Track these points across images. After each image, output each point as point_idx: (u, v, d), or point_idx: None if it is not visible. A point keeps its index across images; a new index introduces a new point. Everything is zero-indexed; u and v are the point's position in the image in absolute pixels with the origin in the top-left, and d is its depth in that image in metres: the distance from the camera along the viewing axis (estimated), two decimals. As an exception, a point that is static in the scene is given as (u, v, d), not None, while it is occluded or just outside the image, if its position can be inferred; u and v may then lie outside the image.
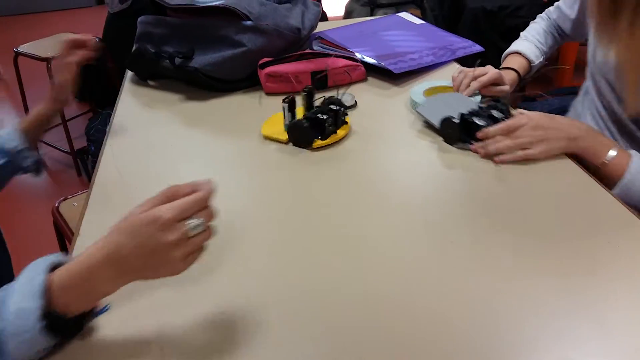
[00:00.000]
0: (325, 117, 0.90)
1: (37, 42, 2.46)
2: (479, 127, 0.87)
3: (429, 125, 0.96)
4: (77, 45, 1.03)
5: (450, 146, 0.90)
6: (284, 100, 0.94)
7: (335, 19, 3.58)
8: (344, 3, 2.98)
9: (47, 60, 2.27)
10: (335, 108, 0.93)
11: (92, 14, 4.83)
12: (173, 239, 0.51)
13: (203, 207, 0.54)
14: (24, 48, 2.38)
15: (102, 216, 0.78)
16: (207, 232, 0.54)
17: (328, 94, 1.10)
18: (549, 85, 3.11)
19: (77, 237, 0.74)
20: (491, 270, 0.65)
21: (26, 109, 2.55)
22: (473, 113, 0.89)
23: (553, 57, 3.26)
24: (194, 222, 0.52)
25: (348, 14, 2.94)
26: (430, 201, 0.78)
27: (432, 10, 3.00)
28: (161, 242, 0.50)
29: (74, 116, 2.78)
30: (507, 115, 0.89)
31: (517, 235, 0.70)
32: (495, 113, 0.88)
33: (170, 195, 0.54)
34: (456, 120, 0.88)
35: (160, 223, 0.51)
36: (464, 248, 0.68)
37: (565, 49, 2.83)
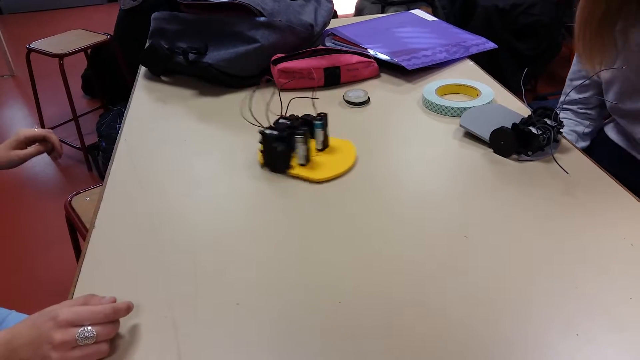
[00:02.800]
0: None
1: (50, 39, 2.48)
2: (534, 137, 0.83)
3: (460, 130, 0.94)
4: (35, 141, 1.07)
5: (461, 141, 0.90)
6: (315, 118, 0.86)
7: (346, 16, 3.58)
8: (354, 1, 2.98)
9: (59, 56, 2.29)
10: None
11: (103, 10, 4.86)
12: (58, 340, 0.51)
13: (104, 322, 0.54)
14: (36, 44, 2.39)
15: (117, 209, 0.78)
16: (97, 346, 0.53)
17: (342, 90, 1.11)
18: (560, 84, 3.09)
19: (92, 230, 0.75)
20: (506, 263, 0.65)
21: (38, 106, 2.57)
22: (526, 122, 0.85)
23: (564, 54, 3.24)
24: (86, 330, 0.53)
25: (359, 11, 2.93)
26: (444, 196, 0.77)
27: (443, 8, 2.99)
28: (47, 339, 0.52)
29: (85, 112, 2.80)
30: (560, 123, 0.85)
31: (530, 228, 0.70)
32: (548, 121, 0.84)
33: (84, 301, 0.56)
34: (510, 131, 0.83)
35: (56, 320, 0.52)
36: (478, 243, 0.68)
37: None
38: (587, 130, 1.20)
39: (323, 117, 0.87)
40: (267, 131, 0.83)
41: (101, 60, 2.84)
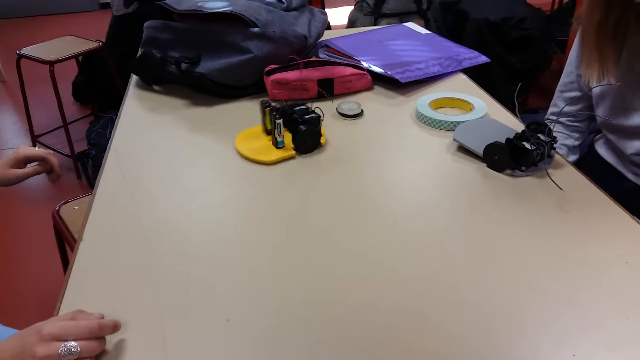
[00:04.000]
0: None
1: (41, 45, 2.46)
2: (528, 152, 0.82)
3: (453, 144, 0.94)
4: (34, 160, 1.04)
5: (454, 155, 0.90)
6: (274, 109, 0.92)
7: (338, 27, 3.59)
8: (347, 12, 2.99)
9: (50, 63, 2.27)
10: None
11: (95, 17, 4.84)
12: (41, 354, 0.51)
13: (88, 338, 0.54)
14: (27, 50, 2.37)
15: (106, 221, 0.77)
16: None
17: (335, 102, 1.10)
18: (551, 97, 3.12)
19: (80, 242, 0.73)
20: (500, 279, 0.64)
21: (27, 112, 2.55)
22: (520, 137, 0.84)
23: (554, 68, 3.27)
24: (69, 345, 0.52)
25: (351, 23, 2.95)
26: (436, 210, 0.77)
27: (435, 21, 3.01)
28: (30, 352, 0.51)
29: (75, 119, 2.78)
30: (553, 139, 0.85)
31: (525, 244, 0.70)
32: (542, 137, 0.84)
33: (71, 317, 0.56)
34: (504, 146, 0.83)
35: (40, 334, 0.52)
36: (471, 258, 0.68)
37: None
38: (576, 143, 1.20)
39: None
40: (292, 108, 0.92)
41: (92, 67, 2.82)
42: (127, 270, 0.68)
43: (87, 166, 2.42)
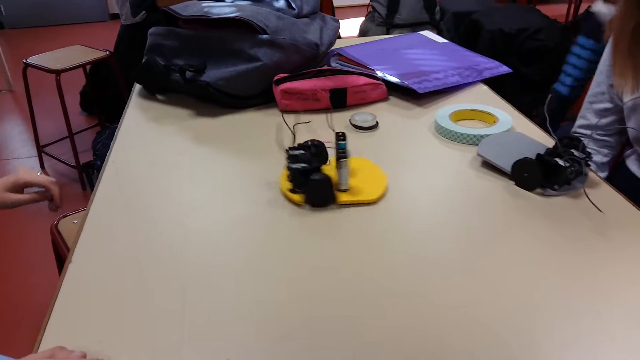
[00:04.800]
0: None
1: (48, 54, 2.42)
2: (562, 170, 0.75)
3: (476, 159, 0.87)
4: (32, 186, 0.94)
5: (478, 171, 0.83)
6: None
7: (349, 38, 3.55)
8: (358, 23, 2.94)
9: (56, 72, 2.23)
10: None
11: (106, 28, 4.84)
12: None
13: None
14: (33, 59, 2.34)
15: (98, 240, 0.70)
16: None
17: (348, 113, 1.04)
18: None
19: (68, 264, 0.67)
20: (535, 312, 0.57)
21: (33, 122, 2.51)
22: (552, 153, 0.77)
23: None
24: None
25: (363, 33, 2.90)
26: (461, 233, 0.70)
27: (448, 32, 2.96)
28: None
29: (81, 129, 2.74)
30: (588, 155, 0.77)
31: (562, 271, 0.62)
32: (576, 153, 0.76)
33: (50, 354, 0.52)
34: (535, 163, 0.76)
35: None
36: (503, 289, 0.60)
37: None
38: (605, 159, 1.13)
39: (341, 136, 0.76)
40: (295, 165, 0.74)
41: (100, 77, 2.79)
42: (118, 299, 0.61)
43: (92, 177, 2.37)
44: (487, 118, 0.99)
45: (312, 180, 0.73)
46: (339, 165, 0.75)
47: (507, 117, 0.96)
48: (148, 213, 0.76)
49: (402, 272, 0.63)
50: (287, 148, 0.77)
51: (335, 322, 0.57)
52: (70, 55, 2.43)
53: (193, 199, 0.79)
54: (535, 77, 2.75)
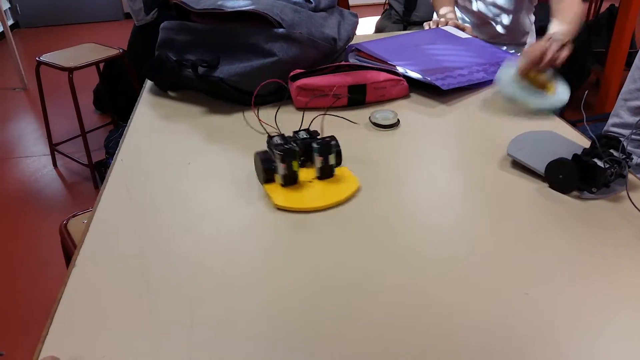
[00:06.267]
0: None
1: (61, 52, 2.41)
2: (601, 171, 0.69)
3: (506, 159, 0.82)
4: None
5: (508, 172, 0.77)
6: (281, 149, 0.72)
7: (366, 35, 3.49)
8: (374, 21, 2.89)
9: (69, 70, 2.21)
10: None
11: (120, 26, 4.84)
12: None
13: None
14: (46, 57, 2.32)
15: (104, 244, 0.66)
16: None
17: (368, 111, 0.99)
18: (588, 110, 2.97)
19: (72, 269, 0.63)
20: (578, 324, 0.51)
21: (46, 120, 2.49)
22: (589, 153, 0.72)
23: (592, 80, 3.11)
24: None
25: (379, 31, 2.84)
26: (491, 239, 0.64)
27: (466, 30, 2.88)
28: None
29: (94, 128, 2.72)
30: (628, 155, 0.72)
31: (603, 281, 0.56)
32: (615, 153, 0.71)
33: None
34: (572, 164, 0.70)
35: None
36: (541, 301, 0.55)
37: (609, 74, 2.68)
38: (639, 160, 1.07)
39: (326, 142, 0.74)
40: (273, 140, 0.76)
41: (113, 76, 2.77)
42: (123, 308, 0.57)
43: (104, 176, 2.34)
44: (548, 85, 1.01)
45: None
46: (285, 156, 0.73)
47: (564, 91, 0.99)
48: (156, 215, 0.71)
49: (425, 281, 0.58)
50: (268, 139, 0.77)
51: (359, 332, 0.52)
52: (82, 53, 2.41)
53: (204, 201, 0.74)
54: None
